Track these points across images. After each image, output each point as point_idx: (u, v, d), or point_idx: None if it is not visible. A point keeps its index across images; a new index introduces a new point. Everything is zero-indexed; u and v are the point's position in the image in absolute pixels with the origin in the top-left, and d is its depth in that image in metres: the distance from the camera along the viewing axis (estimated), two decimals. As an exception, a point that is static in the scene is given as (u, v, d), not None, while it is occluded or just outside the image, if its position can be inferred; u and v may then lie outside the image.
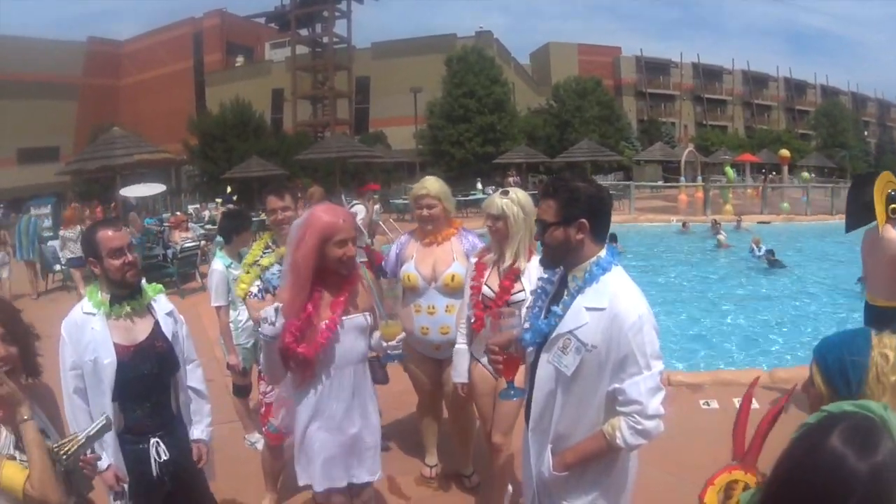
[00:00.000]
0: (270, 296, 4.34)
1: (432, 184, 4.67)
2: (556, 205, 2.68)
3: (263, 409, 4.63)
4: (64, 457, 2.48)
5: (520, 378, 3.03)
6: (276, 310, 3.06)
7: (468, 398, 4.42)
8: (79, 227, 14.28)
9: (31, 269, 15.62)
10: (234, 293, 4.69)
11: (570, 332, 2.64)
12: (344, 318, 3.30)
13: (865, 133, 74.05)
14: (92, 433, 2.61)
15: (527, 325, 2.91)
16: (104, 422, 2.69)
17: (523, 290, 3.93)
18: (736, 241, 20.34)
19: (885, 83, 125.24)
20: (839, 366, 1.91)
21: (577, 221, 2.65)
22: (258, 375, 4.56)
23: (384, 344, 3.37)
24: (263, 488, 4.85)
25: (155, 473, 3.31)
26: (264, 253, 4.60)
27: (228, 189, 25.10)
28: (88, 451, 2.65)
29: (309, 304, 3.25)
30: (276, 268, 4.45)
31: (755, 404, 4.94)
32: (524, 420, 3.02)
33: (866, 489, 1.28)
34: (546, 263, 2.88)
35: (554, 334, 2.70)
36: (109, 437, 3.15)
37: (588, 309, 2.62)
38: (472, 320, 4.14)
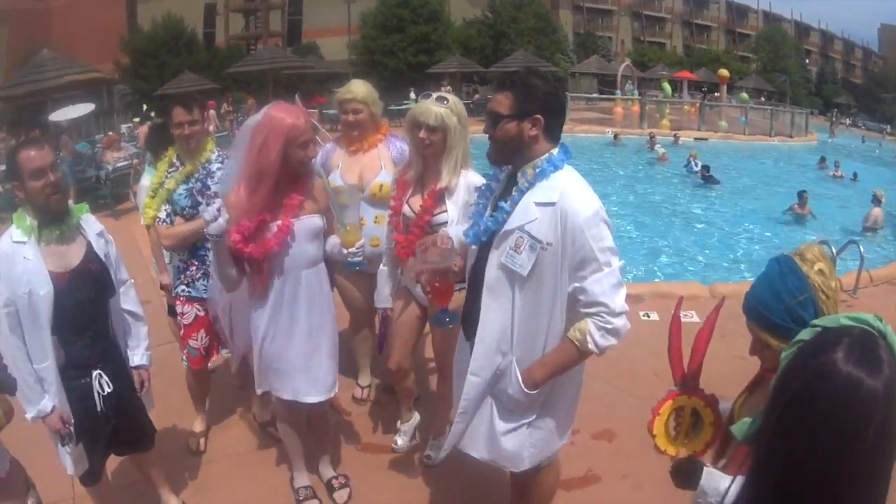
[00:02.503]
0: (181, 219, 4.12)
1: (358, 87, 4.40)
2: (512, 98, 2.55)
3: (182, 331, 4.39)
4: None
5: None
6: (219, 208, 2.97)
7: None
8: None
9: None
10: (143, 220, 4.38)
11: (520, 227, 2.54)
12: (297, 219, 3.18)
13: (807, 61, 73.91)
14: None
15: (470, 223, 2.83)
16: None
17: (446, 210, 3.57)
18: (672, 155, 20.33)
19: (829, 15, 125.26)
20: (790, 315, 1.81)
21: (531, 116, 2.54)
22: (175, 298, 4.33)
23: (344, 251, 3.26)
24: (193, 412, 4.69)
25: (99, 409, 3.19)
26: (169, 173, 4.21)
27: (145, 107, 25.13)
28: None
29: (265, 207, 3.12)
30: (182, 188, 4.15)
31: (695, 318, 4.48)
32: (463, 333, 2.95)
33: (886, 408, 1.21)
34: (494, 159, 2.74)
35: (502, 231, 2.60)
36: (51, 377, 3.04)
37: (538, 204, 2.53)
38: (393, 245, 3.78)
